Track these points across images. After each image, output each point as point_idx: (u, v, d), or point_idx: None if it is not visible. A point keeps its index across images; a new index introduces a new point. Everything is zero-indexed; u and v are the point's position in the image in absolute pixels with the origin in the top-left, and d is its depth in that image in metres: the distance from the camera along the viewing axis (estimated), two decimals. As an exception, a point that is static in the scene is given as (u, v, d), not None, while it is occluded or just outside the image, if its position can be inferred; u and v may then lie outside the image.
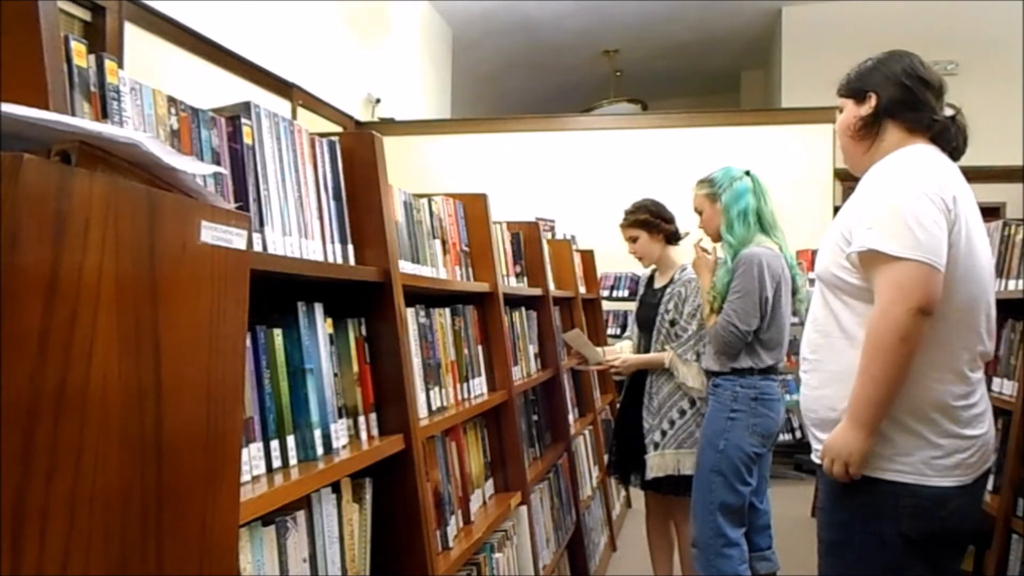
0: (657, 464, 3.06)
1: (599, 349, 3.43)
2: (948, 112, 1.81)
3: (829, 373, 1.76)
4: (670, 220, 3.28)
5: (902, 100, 1.79)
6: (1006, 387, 2.57)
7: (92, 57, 1.00)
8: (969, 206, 1.73)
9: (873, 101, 1.80)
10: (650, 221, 3.23)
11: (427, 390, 1.91)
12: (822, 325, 1.80)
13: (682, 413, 3.08)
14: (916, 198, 1.64)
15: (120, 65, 1.06)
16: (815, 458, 1.82)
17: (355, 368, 1.53)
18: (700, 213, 2.93)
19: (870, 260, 1.66)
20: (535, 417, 3.07)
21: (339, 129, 6.51)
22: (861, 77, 1.85)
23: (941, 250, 1.63)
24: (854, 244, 1.69)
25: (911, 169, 1.71)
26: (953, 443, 1.69)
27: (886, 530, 1.69)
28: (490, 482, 2.40)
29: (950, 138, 1.80)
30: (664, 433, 3.08)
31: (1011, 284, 2.62)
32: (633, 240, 3.28)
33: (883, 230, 1.64)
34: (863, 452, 1.68)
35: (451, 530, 1.91)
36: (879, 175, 1.74)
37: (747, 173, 2.87)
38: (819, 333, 1.81)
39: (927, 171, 1.70)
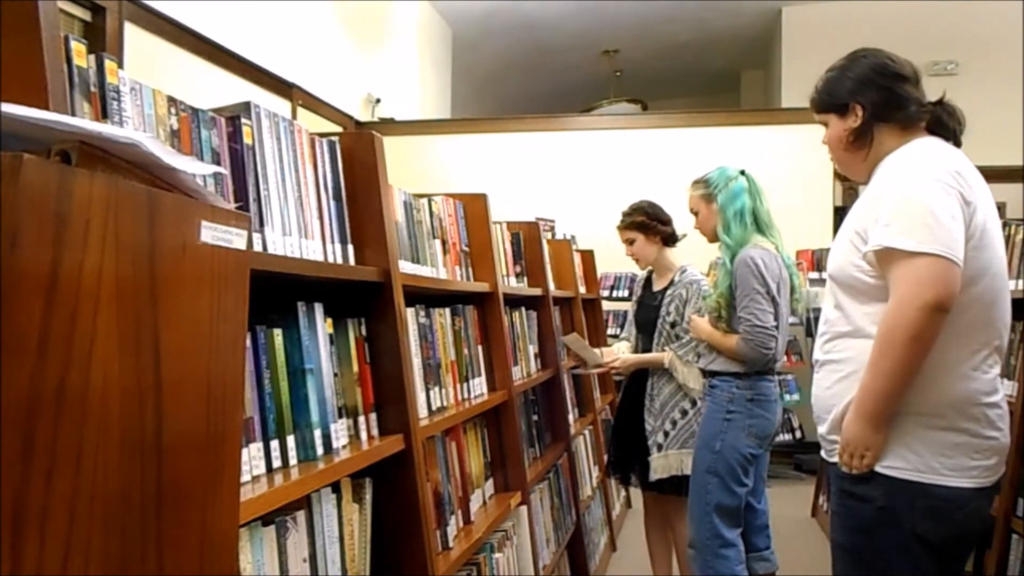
0: (661, 465, 3.07)
1: (598, 351, 3.43)
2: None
3: (842, 373, 1.73)
4: (667, 222, 3.26)
5: (886, 102, 1.75)
6: (1006, 387, 2.56)
7: (92, 57, 1.00)
8: (984, 195, 1.69)
9: (859, 111, 1.77)
10: (647, 223, 3.22)
11: (427, 390, 1.91)
12: (834, 325, 1.76)
13: (684, 413, 3.08)
14: (932, 191, 1.61)
15: (120, 65, 1.06)
16: (824, 455, 1.80)
17: (355, 368, 1.53)
18: (696, 214, 2.91)
19: (886, 257, 1.62)
20: (535, 417, 3.07)
21: (339, 129, 6.51)
22: (833, 90, 1.82)
23: (959, 243, 1.59)
24: (870, 242, 1.65)
25: (923, 162, 1.67)
26: (973, 442, 1.64)
27: (903, 533, 1.64)
28: (490, 482, 2.40)
29: (946, 123, 1.77)
30: (667, 434, 3.07)
31: (1011, 284, 2.61)
32: (630, 242, 3.27)
33: (899, 226, 1.60)
34: (876, 445, 1.65)
35: (451, 530, 1.91)
36: (891, 170, 1.70)
37: (742, 172, 2.86)
38: (832, 333, 1.77)
39: (940, 163, 1.66)
